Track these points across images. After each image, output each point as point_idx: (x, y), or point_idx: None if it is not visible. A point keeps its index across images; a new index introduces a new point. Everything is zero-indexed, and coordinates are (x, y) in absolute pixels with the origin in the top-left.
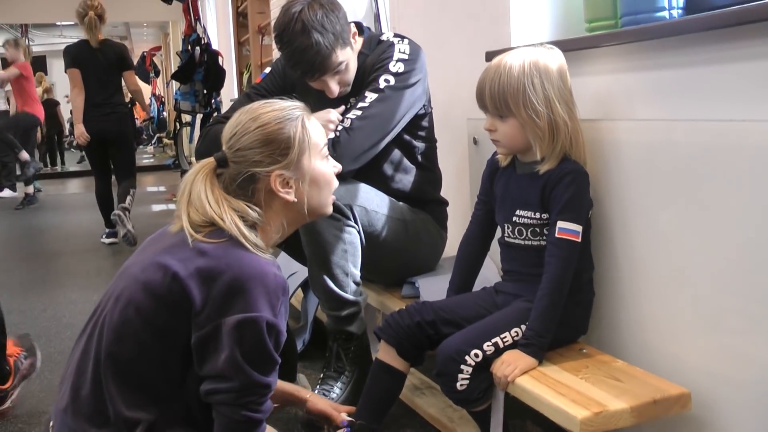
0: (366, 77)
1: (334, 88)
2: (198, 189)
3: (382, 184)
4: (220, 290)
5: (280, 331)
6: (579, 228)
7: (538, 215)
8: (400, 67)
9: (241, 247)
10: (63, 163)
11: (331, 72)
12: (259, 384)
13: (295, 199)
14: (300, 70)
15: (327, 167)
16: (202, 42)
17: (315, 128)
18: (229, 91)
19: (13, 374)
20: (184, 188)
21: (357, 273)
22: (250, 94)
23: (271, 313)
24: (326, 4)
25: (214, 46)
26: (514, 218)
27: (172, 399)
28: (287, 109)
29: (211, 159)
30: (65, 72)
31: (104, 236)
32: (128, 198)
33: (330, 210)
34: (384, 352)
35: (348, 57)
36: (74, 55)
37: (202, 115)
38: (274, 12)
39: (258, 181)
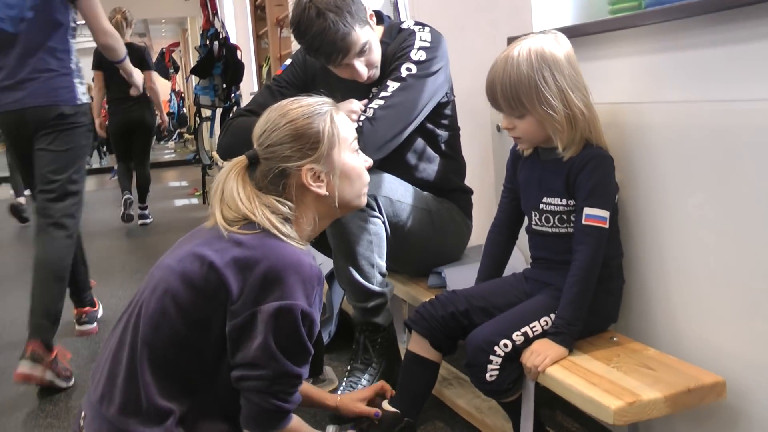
0: (387, 66)
1: (362, 69)
2: (230, 186)
3: (406, 173)
4: (257, 278)
5: (314, 321)
6: (606, 214)
7: (564, 202)
8: (421, 55)
9: (275, 237)
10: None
11: (355, 53)
12: (290, 374)
13: (327, 193)
14: (323, 56)
15: (357, 161)
16: (221, 36)
17: (344, 122)
18: (249, 85)
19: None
20: (217, 186)
21: (383, 264)
22: (271, 87)
23: (306, 302)
24: None
25: (233, 40)
26: (541, 205)
27: (205, 390)
28: (316, 104)
29: (243, 157)
30: (92, 69)
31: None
32: (147, 196)
33: (363, 203)
34: (416, 344)
35: (369, 36)
36: (100, 58)
37: (221, 110)
38: (292, 3)
39: (289, 177)
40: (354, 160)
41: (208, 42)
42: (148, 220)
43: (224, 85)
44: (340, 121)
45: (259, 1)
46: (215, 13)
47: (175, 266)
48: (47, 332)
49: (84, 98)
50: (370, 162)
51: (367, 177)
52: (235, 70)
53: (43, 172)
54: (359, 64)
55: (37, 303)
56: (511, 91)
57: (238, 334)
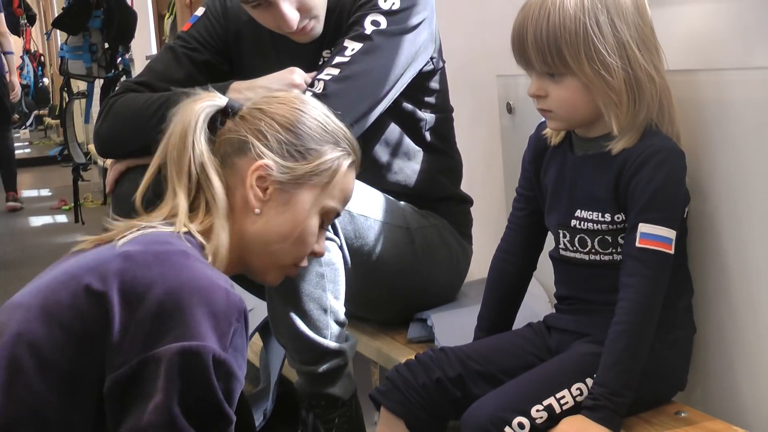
0: (345, 19)
1: (291, 14)
2: (199, 143)
3: (375, 175)
4: (148, 310)
5: (234, 374)
6: (672, 234)
7: (609, 217)
8: (394, 2)
9: (182, 254)
10: None
11: None
12: None
13: (259, 211)
14: None
15: (316, 226)
16: None
17: (349, 182)
18: (144, 45)
19: None
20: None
21: (340, 308)
22: (174, 48)
23: (219, 345)
24: None
25: None
26: (573, 222)
27: None
28: (347, 136)
29: (221, 99)
30: None
31: None
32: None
33: (279, 279)
34: (387, 426)
35: None
36: None
37: (102, 82)
38: None
39: (242, 157)
40: (315, 220)
41: None
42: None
43: (106, 45)
44: (349, 176)
45: None
46: None
47: (31, 302)
48: None
49: None
50: (323, 251)
51: (309, 248)
52: (123, 23)
53: None
54: (286, 5)
55: None
56: (549, 39)
57: (121, 393)
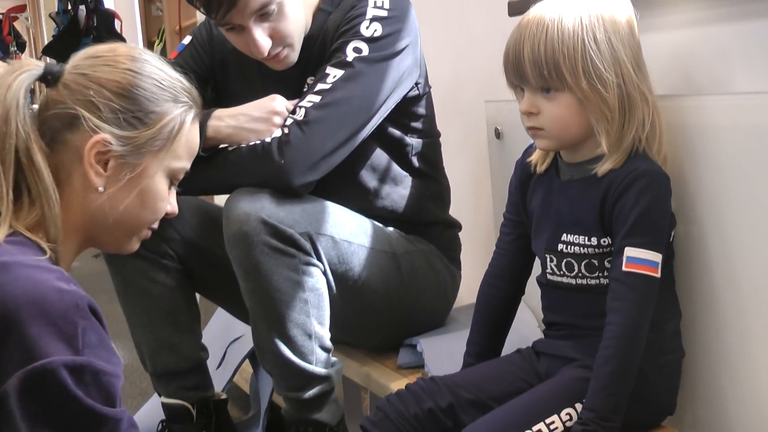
0: (328, 46)
1: (262, 41)
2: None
3: (361, 200)
4: None
5: (100, 371)
6: (658, 258)
7: (595, 241)
8: (376, 29)
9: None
10: None
11: (252, 9)
12: None
13: (101, 189)
14: (203, 5)
15: (166, 188)
16: None
17: (194, 138)
18: None
19: None
20: None
21: (325, 334)
22: None
23: (71, 350)
24: None
25: (109, 4)
26: (560, 246)
27: None
28: (186, 88)
29: (34, 66)
30: None
31: None
32: None
33: (135, 245)
34: None
35: None
36: None
37: None
38: None
39: (75, 132)
40: (164, 184)
41: (70, 6)
42: None
43: None
44: (193, 132)
45: None
46: None
47: None
48: None
49: None
50: (175, 209)
51: (161, 213)
52: None
53: None
54: (258, 32)
55: None
56: (547, 53)
57: None
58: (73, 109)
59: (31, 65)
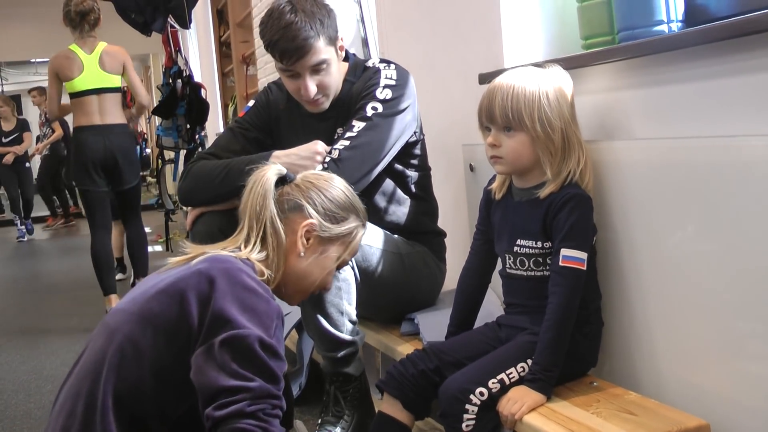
0: (353, 106)
1: (311, 87)
2: (268, 205)
3: (375, 216)
4: (214, 311)
5: (277, 354)
6: (584, 255)
7: (540, 244)
8: (387, 94)
9: (238, 269)
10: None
11: (311, 63)
12: (267, 392)
13: (302, 254)
14: (278, 51)
15: (332, 269)
16: (184, 74)
17: (359, 243)
18: (214, 125)
19: None
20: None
21: (352, 311)
22: (233, 129)
23: (266, 335)
24: (318, 1)
25: (197, 78)
26: (515, 248)
27: None
28: (364, 210)
29: (276, 170)
30: None
31: None
32: None
33: (295, 300)
34: (388, 405)
35: (332, 57)
36: None
37: (185, 151)
38: (258, 41)
39: (297, 214)
40: (332, 264)
41: (170, 80)
42: None
43: (188, 126)
44: (359, 239)
45: (224, 38)
46: (178, 50)
47: (131, 309)
48: None
49: None
50: (330, 288)
51: (328, 285)
52: (200, 110)
53: None
54: (310, 81)
55: None
56: (512, 102)
57: (199, 363)
58: (300, 200)
59: (277, 169)
